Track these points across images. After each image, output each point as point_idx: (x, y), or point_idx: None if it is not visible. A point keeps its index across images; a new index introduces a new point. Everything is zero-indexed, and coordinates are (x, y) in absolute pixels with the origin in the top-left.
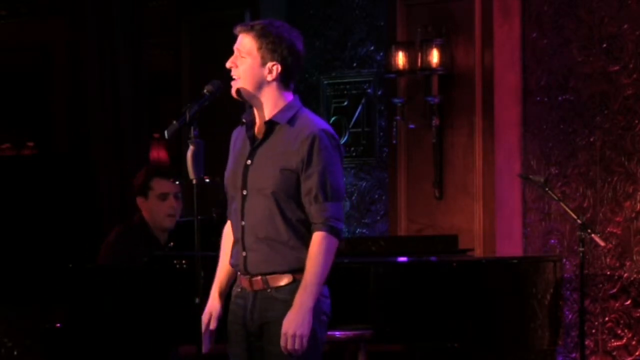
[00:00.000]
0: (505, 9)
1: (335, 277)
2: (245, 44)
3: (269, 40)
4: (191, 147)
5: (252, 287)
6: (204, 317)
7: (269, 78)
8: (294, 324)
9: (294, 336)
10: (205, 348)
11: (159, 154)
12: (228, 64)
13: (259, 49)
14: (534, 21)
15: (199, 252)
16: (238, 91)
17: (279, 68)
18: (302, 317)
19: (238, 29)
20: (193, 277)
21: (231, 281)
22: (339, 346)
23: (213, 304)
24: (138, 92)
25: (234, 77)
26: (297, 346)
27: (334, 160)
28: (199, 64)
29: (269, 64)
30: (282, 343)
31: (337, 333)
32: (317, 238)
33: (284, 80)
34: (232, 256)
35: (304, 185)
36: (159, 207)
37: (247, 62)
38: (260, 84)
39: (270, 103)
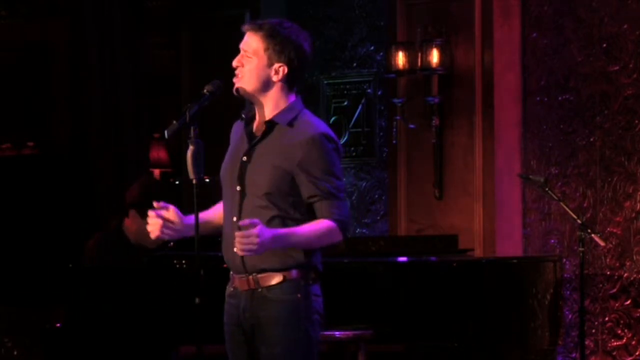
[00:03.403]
0: (505, 9)
1: (335, 277)
2: (252, 43)
3: (276, 41)
4: (191, 147)
5: (244, 287)
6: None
7: (275, 79)
8: (262, 233)
9: (251, 236)
10: (153, 234)
11: (159, 154)
12: (234, 63)
13: (266, 49)
14: (534, 21)
15: (199, 252)
16: (238, 90)
17: (285, 69)
18: (271, 238)
19: (246, 27)
20: (193, 277)
21: (206, 228)
22: (339, 346)
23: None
24: (138, 92)
25: (237, 75)
26: (246, 242)
27: (334, 162)
28: (199, 64)
29: (276, 65)
30: (237, 236)
31: (337, 333)
32: (328, 223)
33: (288, 82)
34: (224, 252)
35: (306, 189)
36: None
37: (254, 62)
38: (265, 85)
39: (272, 103)
